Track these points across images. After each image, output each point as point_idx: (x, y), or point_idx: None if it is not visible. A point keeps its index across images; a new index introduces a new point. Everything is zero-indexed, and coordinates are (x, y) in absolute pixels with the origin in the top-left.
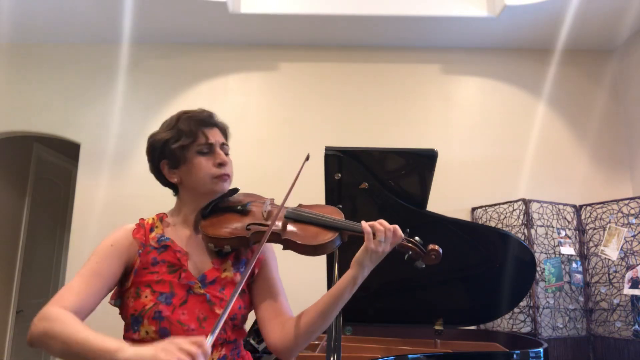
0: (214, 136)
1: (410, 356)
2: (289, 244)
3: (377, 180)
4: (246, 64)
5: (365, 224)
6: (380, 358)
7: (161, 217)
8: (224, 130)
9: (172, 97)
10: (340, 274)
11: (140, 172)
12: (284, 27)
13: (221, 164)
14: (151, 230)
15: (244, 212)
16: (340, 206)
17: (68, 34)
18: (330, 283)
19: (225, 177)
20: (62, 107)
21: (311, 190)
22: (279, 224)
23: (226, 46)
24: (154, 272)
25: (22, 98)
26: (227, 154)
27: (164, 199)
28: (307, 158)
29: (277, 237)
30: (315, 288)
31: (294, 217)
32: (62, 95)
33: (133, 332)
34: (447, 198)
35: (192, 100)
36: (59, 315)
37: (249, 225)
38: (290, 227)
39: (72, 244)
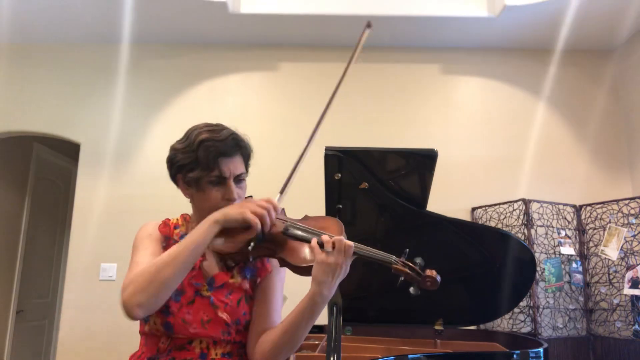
0: (230, 168)
1: (410, 356)
2: (283, 263)
3: (377, 180)
4: (246, 64)
5: (314, 238)
6: (380, 358)
7: (185, 218)
8: (246, 156)
9: (172, 97)
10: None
11: (140, 172)
12: (284, 27)
13: (229, 200)
14: (175, 228)
15: (249, 226)
16: (340, 206)
17: (68, 34)
18: None
19: None
20: (62, 107)
21: (311, 190)
22: (277, 240)
23: (226, 46)
24: None
25: (22, 98)
26: (243, 180)
27: (164, 200)
28: (369, 25)
29: (273, 253)
30: None
31: (291, 234)
32: (62, 95)
33: (145, 322)
34: (447, 198)
35: (192, 100)
36: (142, 268)
37: (250, 240)
38: (286, 245)
39: (72, 244)
